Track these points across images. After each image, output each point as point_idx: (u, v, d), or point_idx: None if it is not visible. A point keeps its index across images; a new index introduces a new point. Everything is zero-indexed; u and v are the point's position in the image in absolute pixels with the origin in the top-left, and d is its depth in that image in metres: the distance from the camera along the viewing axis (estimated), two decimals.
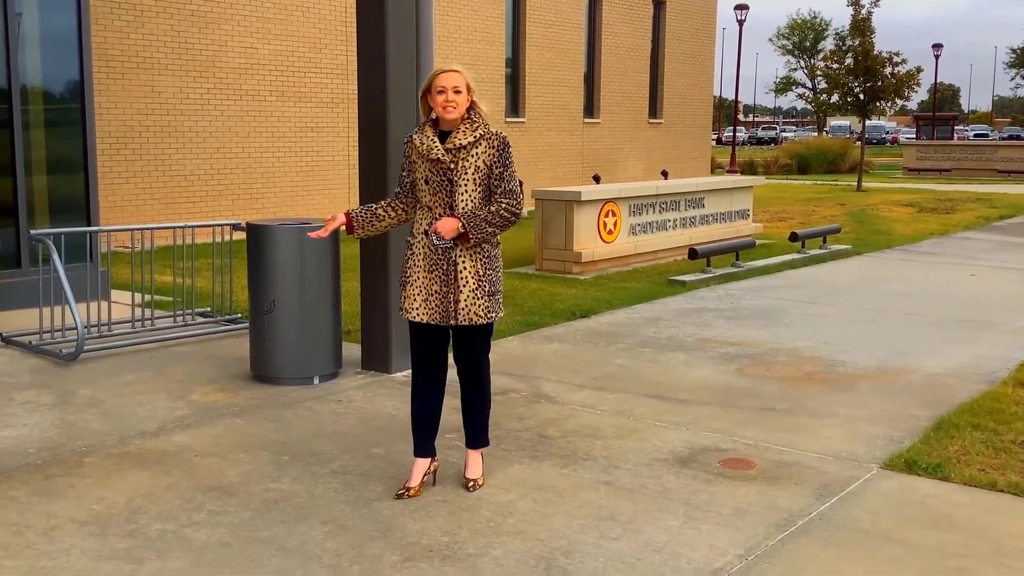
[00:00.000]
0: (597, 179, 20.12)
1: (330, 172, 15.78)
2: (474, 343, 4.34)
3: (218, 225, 7.90)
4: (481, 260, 4.21)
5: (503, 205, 4.14)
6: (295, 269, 5.98)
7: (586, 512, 4.13)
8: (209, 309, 8.03)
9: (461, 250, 4.17)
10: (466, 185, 4.14)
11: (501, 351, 7.10)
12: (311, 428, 5.23)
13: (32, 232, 6.99)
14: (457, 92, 4.12)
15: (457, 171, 4.13)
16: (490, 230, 4.14)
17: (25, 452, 4.76)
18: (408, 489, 4.29)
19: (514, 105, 20.02)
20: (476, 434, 4.47)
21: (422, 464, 4.38)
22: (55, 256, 6.63)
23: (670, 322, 8.22)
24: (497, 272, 4.29)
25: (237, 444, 4.93)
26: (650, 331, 7.84)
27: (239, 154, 14.45)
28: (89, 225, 8.58)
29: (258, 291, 6.05)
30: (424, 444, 4.40)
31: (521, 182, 4.38)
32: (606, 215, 11.31)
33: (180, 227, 7.76)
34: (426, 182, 4.19)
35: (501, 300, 4.32)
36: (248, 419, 5.36)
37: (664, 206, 12.38)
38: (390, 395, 5.89)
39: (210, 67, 13.92)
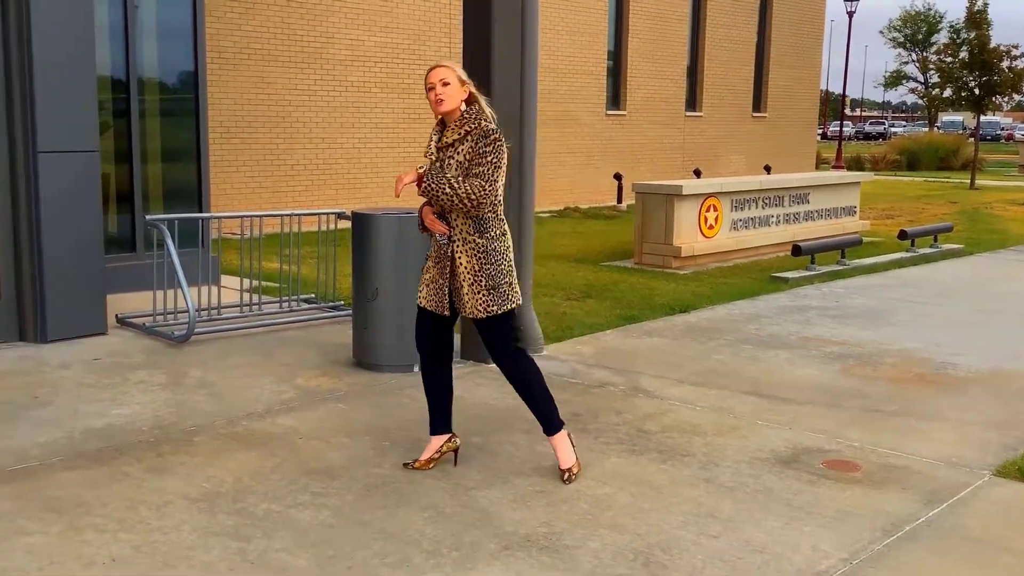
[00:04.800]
0: (698, 173, 19.86)
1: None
2: (486, 337, 4.41)
3: (323, 214, 8.07)
4: (476, 255, 4.24)
5: (468, 183, 4.14)
6: (398, 258, 6.06)
7: (685, 508, 4.08)
8: (314, 296, 8.21)
9: (457, 244, 4.25)
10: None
11: (598, 344, 7.08)
12: (411, 415, 5.29)
13: (147, 217, 7.24)
14: (445, 84, 4.21)
15: (446, 164, 4.24)
16: (448, 191, 4.13)
17: (139, 430, 4.95)
18: (415, 461, 4.48)
19: (615, 98, 19.90)
20: (541, 422, 4.50)
21: (435, 441, 4.52)
22: (169, 241, 6.86)
23: (772, 319, 8.07)
24: (497, 265, 4.26)
25: (340, 428, 5.03)
26: (751, 328, 7.71)
27: (343, 144, 14.72)
28: (201, 212, 8.86)
29: (361, 279, 6.15)
30: (434, 422, 4.54)
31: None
32: (707, 210, 11.16)
33: (287, 215, 7.95)
34: None
35: (509, 291, 4.30)
36: (351, 404, 5.47)
37: (767, 201, 12.15)
38: (488, 385, 5.92)
39: (318, 59, 14.21)
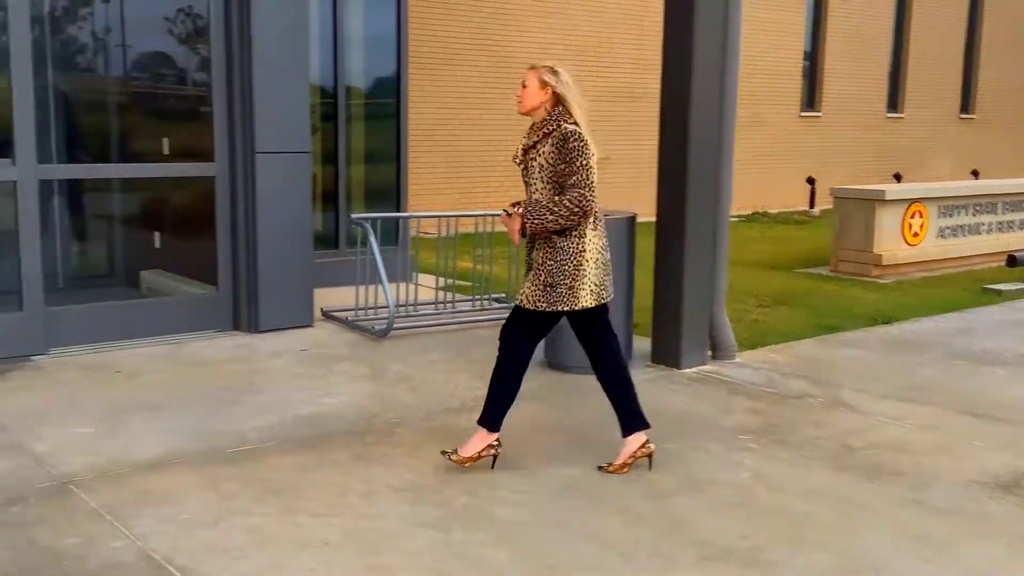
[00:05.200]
0: (898, 178, 18.93)
1: (617, 167, 15.90)
2: (513, 319, 4.39)
3: None
4: (546, 249, 4.24)
5: (566, 197, 4.13)
6: None
7: (895, 530, 3.89)
8: (504, 295, 8.33)
9: (539, 240, 4.26)
10: (535, 184, 4.28)
11: (794, 353, 6.85)
12: (603, 418, 5.24)
13: (353, 216, 7.56)
14: (524, 87, 4.30)
15: (527, 171, 4.30)
16: (551, 218, 4.14)
17: (345, 419, 5.16)
18: (610, 464, 4.44)
19: (810, 98, 19.24)
20: (483, 410, 4.44)
21: (630, 444, 4.46)
22: (372, 239, 7.14)
23: (985, 334, 7.57)
24: (561, 264, 4.21)
25: (534, 427, 5.08)
26: (962, 342, 7.26)
27: None
28: (398, 211, 9.17)
29: None
30: (622, 424, 4.53)
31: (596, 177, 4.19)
32: (911, 216, 10.61)
33: (481, 215, 8.11)
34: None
35: (566, 294, 4.21)
36: (543, 404, 5.51)
37: (978, 208, 11.42)
38: (680, 390, 5.84)
39: (510, 61, 14.42)
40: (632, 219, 6.22)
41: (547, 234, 4.23)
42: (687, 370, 6.24)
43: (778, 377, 6.18)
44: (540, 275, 4.26)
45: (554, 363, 6.28)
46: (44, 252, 6.26)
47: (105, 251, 8.68)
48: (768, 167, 18.25)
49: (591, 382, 5.90)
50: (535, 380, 6.00)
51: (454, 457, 4.39)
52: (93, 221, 8.49)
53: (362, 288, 7.37)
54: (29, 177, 6.08)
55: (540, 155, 4.25)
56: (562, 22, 14.91)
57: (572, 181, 4.14)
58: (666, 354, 6.34)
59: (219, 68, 6.83)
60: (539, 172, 4.25)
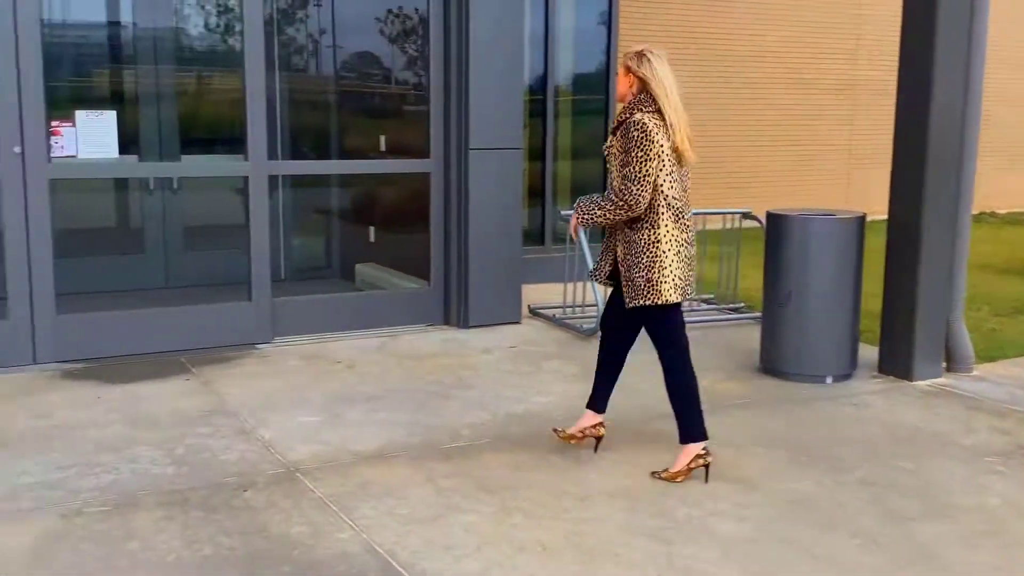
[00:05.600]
0: None
1: (827, 160, 15.18)
2: (646, 327, 4.36)
3: (729, 213, 7.90)
4: (624, 247, 4.20)
5: (613, 190, 4.09)
6: (815, 262, 5.74)
7: None
8: (712, 296, 8.07)
9: (617, 234, 4.21)
10: (612, 172, 4.19)
11: None
12: (828, 430, 4.98)
13: (562, 213, 7.50)
14: (618, 74, 4.28)
15: (608, 158, 4.21)
16: (598, 212, 4.14)
17: (555, 419, 5.07)
18: (562, 430, 4.59)
19: None
20: (678, 427, 4.30)
21: (588, 417, 4.53)
22: (583, 236, 7.04)
23: None
24: (636, 257, 4.13)
25: (752, 437, 4.84)
26: None
27: (731, 143, 14.39)
28: None
29: (775, 282, 5.91)
30: (594, 397, 4.55)
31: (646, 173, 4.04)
32: None
33: (694, 214, 7.86)
34: None
35: (645, 287, 4.12)
36: (761, 413, 5.25)
37: None
38: (913, 404, 5.43)
39: (722, 56, 14.02)
40: (862, 219, 5.84)
41: (621, 226, 4.18)
42: (919, 382, 5.80)
43: (1023, 393, 5.65)
44: (622, 271, 4.22)
45: (770, 369, 5.99)
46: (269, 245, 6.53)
47: (323, 244, 9.05)
48: (997, 164, 16.94)
49: (812, 390, 5.63)
50: (751, 384, 5.76)
51: (664, 475, 4.25)
52: (312, 216, 8.86)
53: (569, 285, 7.30)
54: (260, 173, 6.36)
55: (616, 141, 4.16)
56: (775, 11, 14.35)
57: (624, 172, 4.06)
58: (896, 364, 5.92)
59: (437, 67, 6.93)
60: (614, 160, 4.17)
